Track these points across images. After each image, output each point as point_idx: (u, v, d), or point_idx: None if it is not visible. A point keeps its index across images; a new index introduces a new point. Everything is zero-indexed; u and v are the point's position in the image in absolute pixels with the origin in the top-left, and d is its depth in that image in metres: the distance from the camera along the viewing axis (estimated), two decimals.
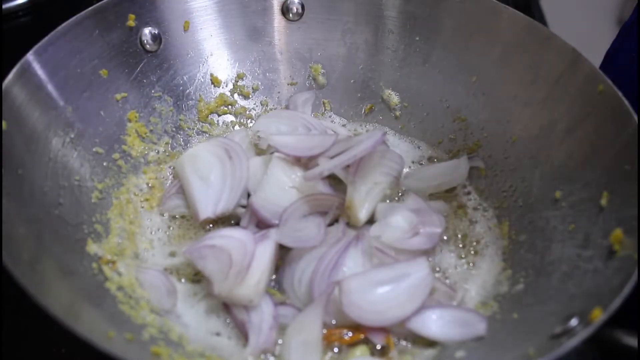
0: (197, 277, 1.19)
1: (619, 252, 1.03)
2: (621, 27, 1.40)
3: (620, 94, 1.17)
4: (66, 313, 0.93)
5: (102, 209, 1.23)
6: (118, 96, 1.32)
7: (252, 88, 1.46)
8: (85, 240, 1.15)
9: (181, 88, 1.41)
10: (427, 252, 1.23)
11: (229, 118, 1.45)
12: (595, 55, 1.27)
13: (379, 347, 1.10)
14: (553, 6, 1.88)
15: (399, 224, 1.22)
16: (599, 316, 0.93)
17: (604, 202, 1.12)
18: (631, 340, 0.93)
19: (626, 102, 1.16)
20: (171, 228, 1.27)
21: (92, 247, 1.15)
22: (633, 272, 0.96)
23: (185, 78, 1.41)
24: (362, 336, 1.11)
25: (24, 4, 1.74)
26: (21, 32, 1.71)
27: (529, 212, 1.25)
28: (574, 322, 0.97)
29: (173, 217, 1.28)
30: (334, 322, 1.11)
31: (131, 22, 1.33)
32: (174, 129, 1.39)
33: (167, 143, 1.38)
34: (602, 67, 1.41)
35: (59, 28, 1.23)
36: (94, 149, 1.26)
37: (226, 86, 1.45)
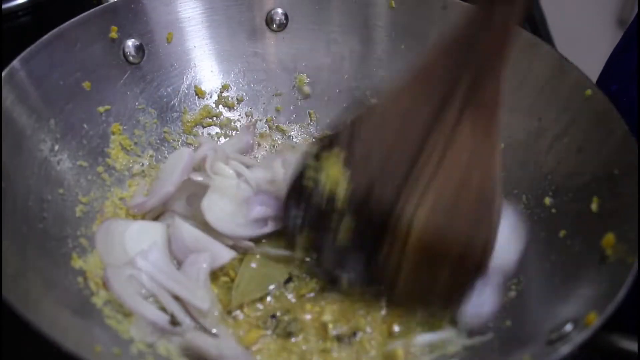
0: None
1: (611, 257, 1.03)
2: (627, 27, 1.38)
3: (607, 99, 1.17)
4: (51, 327, 0.91)
5: (87, 223, 1.21)
6: (101, 109, 1.30)
7: (237, 99, 1.45)
8: (70, 254, 1.13)
9: (165, 100, 1.39)
10: None
11: (214, 130, 1.43)
12: (595, 55, 1.27)
13: None
14: (553, 6, 1.88)
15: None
16: (593, 321, 0.93)
17: (594, 207, 1.12)
18: (629, 344, 0.92)
19: (613, 107, 1.16)
20: None
21: (78, 262, 1.13)
22: (627, 277, 0.96)
23: (169, 90, 1.39)
24: None
25: (24, 4, 1.72)
26: (21, 32, 1.70)
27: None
28: (568, 327, 0.97)
29: None
30: None
31: (114, 34, 1.31)
32: (158, 141, 1.38)
33: (151, 156, 1.36)
34: (606, 69, 1.39)
35: (41, 40, 1.22)
36: (77, 162, 1.24)
37: (210, 97, 1.43)
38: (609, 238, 1.05)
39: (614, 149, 1.14)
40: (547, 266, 1.13)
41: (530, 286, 1.13)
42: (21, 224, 1.06)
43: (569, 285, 1.06)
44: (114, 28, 1.31)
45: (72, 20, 1.26)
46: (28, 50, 1.19)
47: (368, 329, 1.14)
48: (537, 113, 1.28)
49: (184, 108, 1.41)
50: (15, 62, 1.17)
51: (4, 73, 1.13)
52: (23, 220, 1.07)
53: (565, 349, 0.91)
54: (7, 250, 0.98)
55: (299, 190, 1.17)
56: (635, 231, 1.01)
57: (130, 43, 1.34)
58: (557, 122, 1.25)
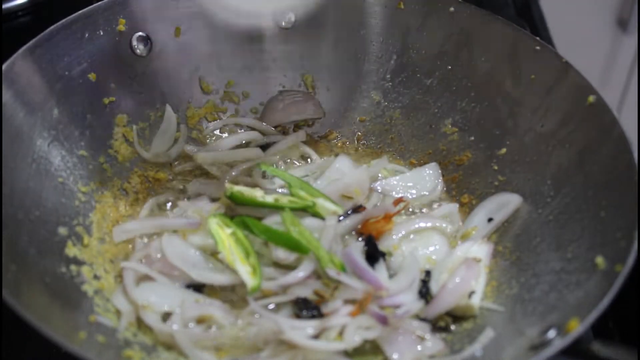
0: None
1: (601, 266, 1.02)
2: None
3: (608, 106, 1.17)
4: (38, 313, 0.92)
5: (85, 212, 1.22)
6: (106, 100, 1.32)
7: (243, 95, 1.45)
8: (65, 242, 1.14)
9: (171, 94, 1.40)
10: None
11: (219, 125, 1.44)
12: (595, 55, 1.25)
13: None
14: (553, 6, 1.86)
15: None
16: (575, 327, 0.92)
17: (589, 215, 1.11)
18: (610, 353, 0.91)
19: (615, 113, 1.16)
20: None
21: (72, 250, 1.14)
22: (612, 285, 0.95)
23: (175, 84, 1.40)
24: None
25: (24, 4, 1.74)
26: (21, 32, 1.70)
27: (515, 224, 1.23)
28: (551, 333, 0.96)
29: None
30: None
31: (121, 27, 1.32)
32: None
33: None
34: None
35: (48, 30, 1.24)
36: (79, 152, 1.25)
37: (216, 93, 1.44)
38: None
39: (614, 157, 1.13)
40: (539, 272, 1.12)
41: (520, 292, 1.12)
42: (16, 210, 1.07)
43: (558, 292, 1.05)
44: (122, 21, 1.33)
45: (80, 12, 1.28)
46: (34, 40, 1.22)
47: None
48: (540, 118, 1.27)
49: (189, 102, 1.42)
50: (21, 51, 1.19)
51: (7, 63, 1.15)
52: (18, 206, 1.08)
53: (544, 353, 0.91)
54: None
55: None
56: (625, 240, 1.00)
57: (138, 36, 1.35)
58: (559, 128, 1.24)
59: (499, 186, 1.30)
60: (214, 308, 1.12)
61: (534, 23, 1.68)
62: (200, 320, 1.11)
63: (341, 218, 1.22)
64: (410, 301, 1.13)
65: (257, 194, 1.23)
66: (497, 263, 1.20)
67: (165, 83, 1.39)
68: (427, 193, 1.34)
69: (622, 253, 0.99)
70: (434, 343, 1.09)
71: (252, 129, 1.44)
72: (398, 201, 1.25)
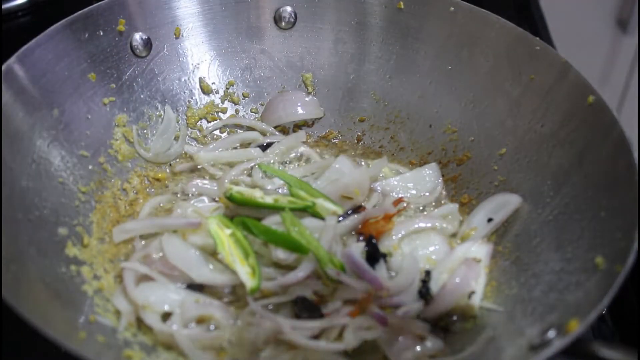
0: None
1: (601, 265, 1.02)
2: None
3: (608, 106, 1.17)
4: (38, 313, 0.92)
5: (85, 212, 1.22)
6: (106, 100, 1.32)
7: (242, 95, 1.45)
8: (65, 242, 1.14)
9: (171, 94, 1.40)
10: None
11: (219, 125, 1.44)
12: (595, 55, 1.25)
13: None
14: (552, 6, 1.86)
15: None
16: (575, 327, 0.92)
17: (589, 215, 1.11)
18: (609, 354, 0.91)
19: (615, 114, 1.16)
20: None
21: (72, 250, 1.14)
22: (612, 285, 0.95)
23: (175, 84, 1.40)
24: None
25: (24, 4, 1.75)
26: (21, 32, 1.71)
27: (515, 224, 1.23)
28: (551, 333, 0.96)
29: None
30: None
31: (121, 27, 1.33)
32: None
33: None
34: None
35: (47, 31, 1.24)
36: (79, 152, 1.25)
37: (216, 93, 1.44)
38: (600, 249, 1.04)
39: (614, 157, 1.13)
40: (538, 272, 1.12)
41: (519, 292, 1.12)
42: (15, 210, 1.07)
43: (558, 292, 1.05)
44: (122, 21, 1.33)
45: (80, 12, 1.28)
46: (34, 40, 1.22)
47: None
48: (540, 119, 1.27)
49: (189, 102, 1.42)
50: (21, 51, 1.19)
51: (7, 63, 1.16)
52: (18, 206, 1.08)
53: (544, 353, 0.91)
54: None
55: None
56: (626, 240, 1.00)
57: (138, 36, 1.36)
58: (559, 128, 1.24)
59: (499, 186, 1.30)
60: (214, 308, 1.12)
61: (534, 23, 1.68)
62: (200, 320, 1.11)
63: (341, 218, 1.22)
64: (410, 301, 1.13)
65: (257, 195, 1.24)
66: (497, 263, 1.20)
67: (165, 83, 1.40)
68: (427, 193, 1.34)
69: (622, 253, 0.99)
70: (434, 343, 1.09)
71: (252, 129, 1.44)
72: (398, 201, 1.25)
